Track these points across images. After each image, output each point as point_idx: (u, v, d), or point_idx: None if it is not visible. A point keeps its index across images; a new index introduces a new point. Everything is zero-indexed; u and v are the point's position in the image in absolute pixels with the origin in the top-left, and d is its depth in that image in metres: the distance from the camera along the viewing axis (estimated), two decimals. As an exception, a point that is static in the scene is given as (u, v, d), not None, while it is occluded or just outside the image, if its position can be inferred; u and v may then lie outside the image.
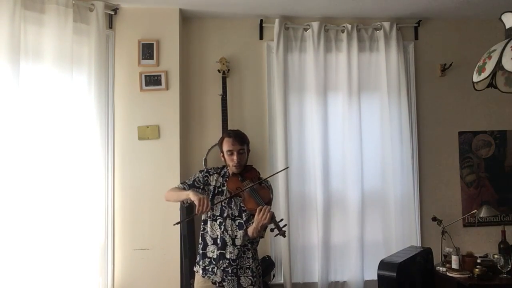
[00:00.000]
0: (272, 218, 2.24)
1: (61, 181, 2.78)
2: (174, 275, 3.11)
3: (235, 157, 2.43)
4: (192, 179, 2.50)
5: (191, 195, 2.29)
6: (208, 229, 2.47)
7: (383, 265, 2.62)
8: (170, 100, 3.26)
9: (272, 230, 2.28)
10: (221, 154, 2.52)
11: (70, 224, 2.81)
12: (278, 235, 2.23)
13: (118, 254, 3.14)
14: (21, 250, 2.56)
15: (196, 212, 2.22)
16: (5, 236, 2.48)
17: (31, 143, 2.69)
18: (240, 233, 2.41)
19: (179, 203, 3.04)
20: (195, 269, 2.51)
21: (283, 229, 2.23)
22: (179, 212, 3.10)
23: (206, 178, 2.50)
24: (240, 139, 2.47)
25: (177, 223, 2.32)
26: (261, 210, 2.23)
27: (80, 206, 2.87)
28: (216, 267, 2.40)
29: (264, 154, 3.47)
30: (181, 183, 2.51)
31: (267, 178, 2.57)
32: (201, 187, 2.48)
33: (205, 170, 2.55)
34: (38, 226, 2.67)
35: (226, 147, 2.46)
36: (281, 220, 2.28)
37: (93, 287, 2.92)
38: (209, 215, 2.46)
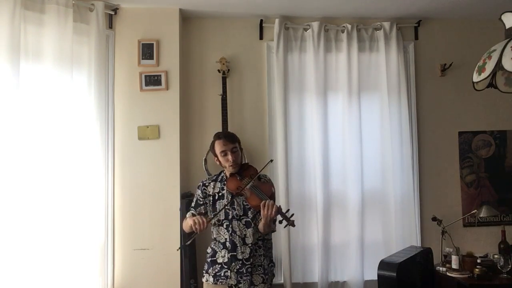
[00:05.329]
0: (279, 211, 2.27)
1: (61, 181, 2.78)
2: (174, 275, 3.10)
3: (229, 157, 2.45)
4: (195, 200, 2.55)
5: (184, 226, 2.47)
6: (215, 235, 2.49)
7: (383, 265, 2.62)
8: (170, 100, 3.26)
9: (280, 222, 2.30)
10: (216, 159, 2.54)
11: (70, 224, 2.80)
12: (288, 226, 2.26)
13: (118, 254, 3.14)
14: (21, 250, 2.55)
15: (196, 232, 2.27)
16: (5, 236, 2.48)
17: (31, 143, 2.68)
18: (249, 232, 2.42)
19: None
20: (203, 279, 2.50)
21: (291, 218, 2.25)
22: (179, 212, 3.11)
23: (204, 190, 2.54)
24: (230, 138, 2.51)
25: (180, 248, 2.40)
26: (265, 205, 2.26)
27: (80, 206, 2.87)
28: (229, 270, 2.40)
29: (264, 154, 3.47)
30: (189, 210, 2.55)
31: (259, 172, 2.49)
32: (204, 202, 2.52)
33: (201, 184, 2.58)
34: (38, 226, 2.67)
35: (218, 148, 2.49)
36: (288, 210, 2.31)
37: (93, 287, 2.92)
38: (213, 222, 2.48)
